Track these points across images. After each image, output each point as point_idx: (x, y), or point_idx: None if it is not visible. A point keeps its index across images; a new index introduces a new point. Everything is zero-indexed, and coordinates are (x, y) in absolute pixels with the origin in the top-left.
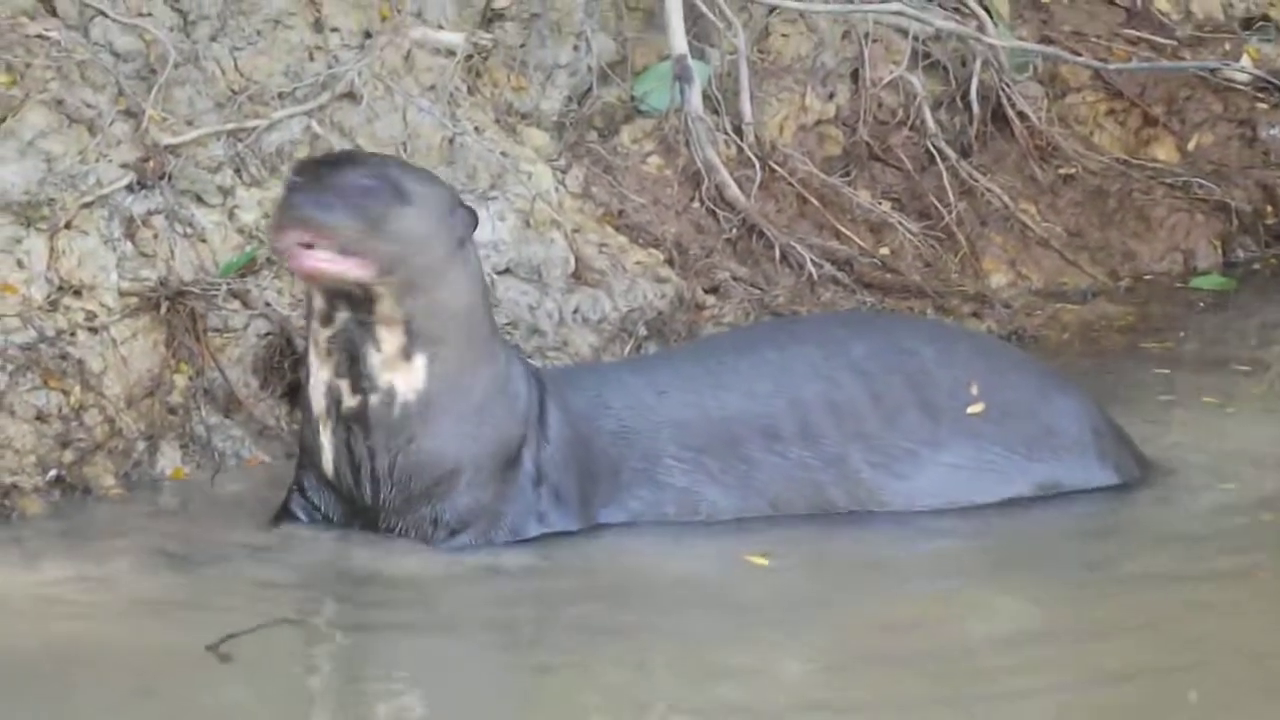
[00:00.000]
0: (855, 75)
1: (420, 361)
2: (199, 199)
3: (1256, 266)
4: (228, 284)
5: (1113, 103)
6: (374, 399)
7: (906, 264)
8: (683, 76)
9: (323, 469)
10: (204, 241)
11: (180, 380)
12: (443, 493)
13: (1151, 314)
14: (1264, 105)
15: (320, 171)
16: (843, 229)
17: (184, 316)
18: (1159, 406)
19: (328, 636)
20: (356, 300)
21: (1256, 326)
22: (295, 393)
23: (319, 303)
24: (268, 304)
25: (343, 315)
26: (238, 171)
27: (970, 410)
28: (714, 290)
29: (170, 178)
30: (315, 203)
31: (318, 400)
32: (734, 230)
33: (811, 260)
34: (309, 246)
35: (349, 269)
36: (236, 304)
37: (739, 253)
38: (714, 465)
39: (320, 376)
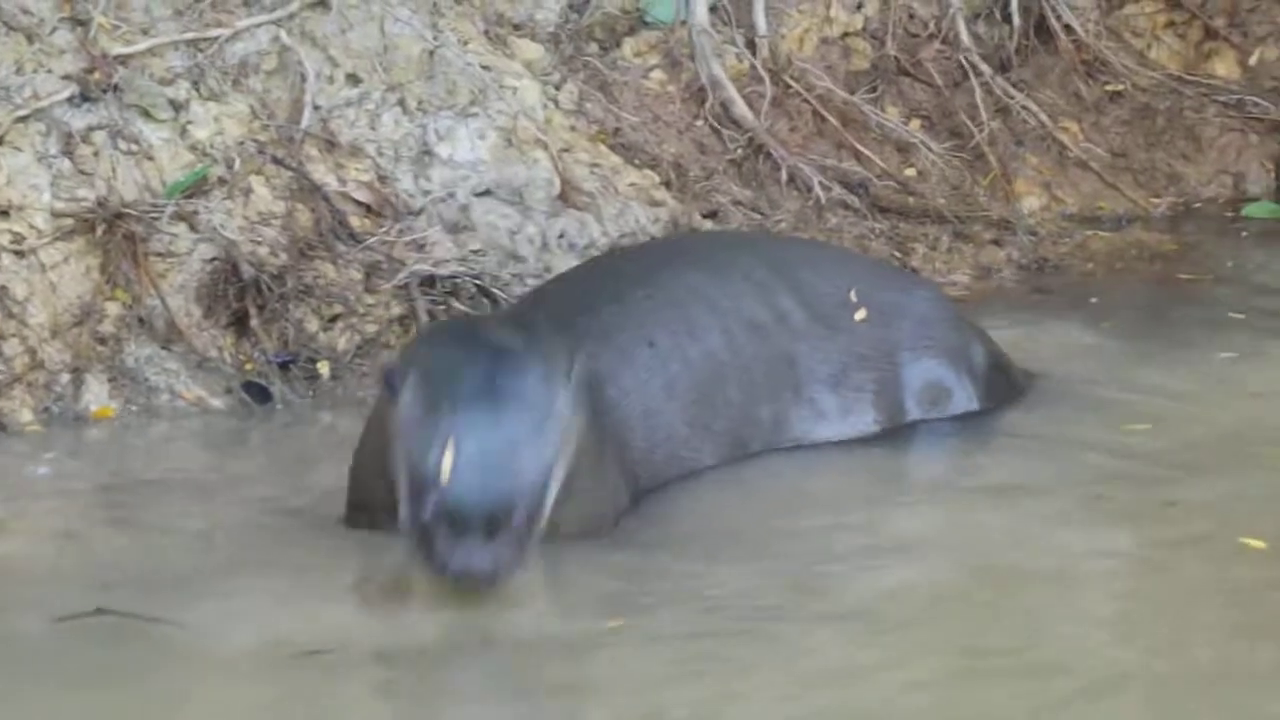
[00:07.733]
0: None
1: None
2: (147, 114)
3: None
4: (174, 205)
5: (1172, 14)
6: None
7: (930, 187)
8: None
9: None
10: (150, 160)
11: (114, 309)
12: None
13: (1191, 243)
14: None
15: None
16: (864, 150)
17: (121, 240)
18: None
19: None
20: None
21: None
22: (241, 323)
23: None
24: (216, 228)
25: None
26: (195, 85)
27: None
28: (712, 215)
29: (117, 90)
30: None
31: None
32: (739, 150)
33: (820, 182)
34: None
35: None
36: (182, 227)
37: (743, 175)
38: None
39: None
